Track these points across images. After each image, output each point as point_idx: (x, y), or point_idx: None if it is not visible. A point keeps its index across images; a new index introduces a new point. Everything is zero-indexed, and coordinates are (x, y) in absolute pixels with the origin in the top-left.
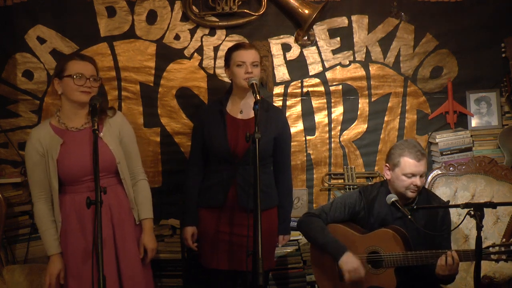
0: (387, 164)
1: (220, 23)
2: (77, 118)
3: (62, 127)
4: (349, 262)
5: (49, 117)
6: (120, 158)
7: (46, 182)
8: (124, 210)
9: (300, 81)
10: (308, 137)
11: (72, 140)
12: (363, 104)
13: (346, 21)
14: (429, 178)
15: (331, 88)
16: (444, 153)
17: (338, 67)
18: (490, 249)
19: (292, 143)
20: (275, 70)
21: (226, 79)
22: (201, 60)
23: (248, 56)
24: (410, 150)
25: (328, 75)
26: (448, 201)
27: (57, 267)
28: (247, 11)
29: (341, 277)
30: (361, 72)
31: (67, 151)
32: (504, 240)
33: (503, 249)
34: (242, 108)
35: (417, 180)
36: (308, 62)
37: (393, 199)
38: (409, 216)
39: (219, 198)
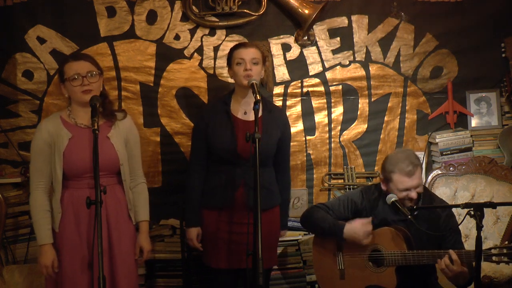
0: (381, 177)
1: (220, 23)
2: (86, 116)
3: (71, 122)
4: (355, 229)
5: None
6: (123, 160)
7: (47, 172)
8: (121, 210)
9: (300, 81)
10: (308, 137)
11: (80, 135)
12: (363, 104)
13: (346, 21)
14: (429, 178)
15: (331, 88)
16: (444, 153)
17: (338, 67)
18: (492, 251)
19: (292, 143)
20: (275, 70)
21: (226, 79)
22: (201, 60)
23: (248, 53)
24: (401, 166)
25: (328, 75)
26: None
27: (50, 258)
28: (247, 11)
29: (342, 275)
30: (361, 72)
31: (74, 146)
32: (506, 243)
33: (504, 251)
34: (246, 110)
35: (411, 193)
36: (308, 62)
37: (393, 199)
38: (409, 217)
39: (228, 199)
